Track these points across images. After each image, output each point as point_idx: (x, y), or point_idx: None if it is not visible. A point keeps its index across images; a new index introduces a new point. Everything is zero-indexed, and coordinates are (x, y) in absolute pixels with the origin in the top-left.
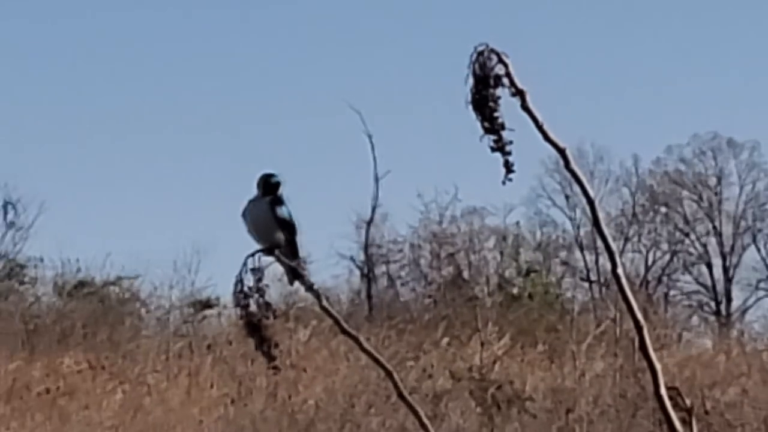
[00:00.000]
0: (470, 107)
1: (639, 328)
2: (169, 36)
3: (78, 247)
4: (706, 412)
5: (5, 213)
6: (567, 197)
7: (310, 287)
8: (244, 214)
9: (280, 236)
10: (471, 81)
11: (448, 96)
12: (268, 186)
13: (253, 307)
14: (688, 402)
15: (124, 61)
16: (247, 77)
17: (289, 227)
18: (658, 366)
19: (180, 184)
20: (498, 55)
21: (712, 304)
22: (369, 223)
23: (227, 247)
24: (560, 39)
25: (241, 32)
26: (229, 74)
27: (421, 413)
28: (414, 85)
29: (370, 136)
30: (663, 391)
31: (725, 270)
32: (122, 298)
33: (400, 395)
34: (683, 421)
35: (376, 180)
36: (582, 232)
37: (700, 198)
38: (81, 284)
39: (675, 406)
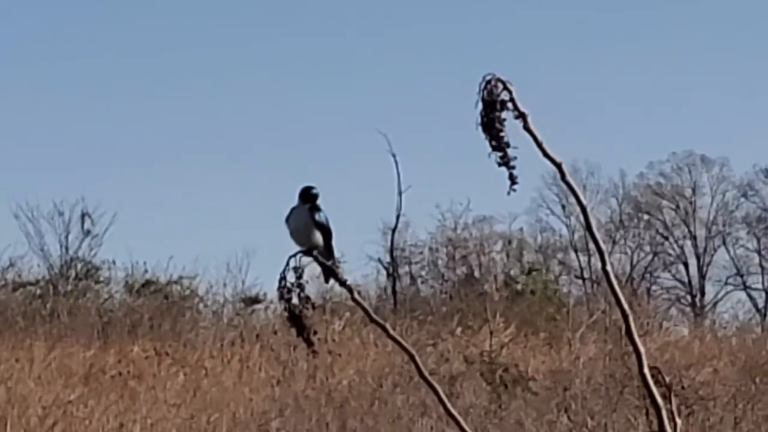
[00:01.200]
0: (480, 128)
1: (625, 317)
2: (220, 61)
3: (145, 251)
4: (683, 389)
5: (83, 223)
6: (563, 207)
7: (343, 283)
8: (287, 220)
9: (318, 239)
10: (480, 105)
11: (462, 119)
12: (308, 196)
13: (294, 301)
14: (667, 380)
15: (183, 86)
16: (290, 103)
17: (325, 231)
18: (642, 349)
19: (232, 196)
20: (503, 83)
21: (688, 297)
22: (394, 230)
23: (272, 250)
24: (557, 66)
25: (288, 60)
26: (276, 100)
27: (440, 391)
28: (434, 109)
29: (394, 156)
30: (646, 371)
31: (699, 268)
32: (183, 295)
33: (422, 375)
34: (663, 396)
35: (400, 193)
36: (576, 236)
37: (678, 207)
38: (148, 283)
39: (656, 383)
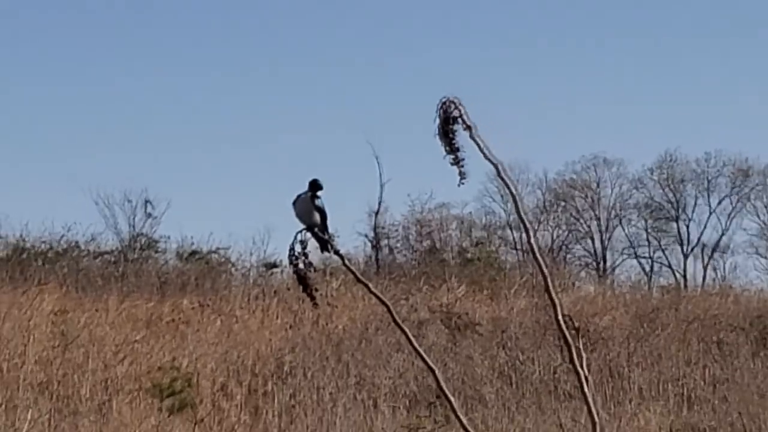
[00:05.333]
0: (438, 137)
1: (545, 277)
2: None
3: (191, 228)
4: (589, 331)
5: (145, 207)
6: (501, 195)
7: (337, 253)
8: (293, 203)
9: (317, 219)
10: (438, 120)
11: (427, 128)
12: (314, 186)
13: (300, 266)
14: (577, 325)
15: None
16: (305, 100)
17: (322, 213)
18: (557, 302)
19: (256, 184)
20: (455, 103)
21: (594, 264)
22: (376, 213)
23: (286, 228)
24: (500, 81)
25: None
26: (299, 101)
27: (409, 333)
28: (409, 118)
29: (377, 159)
30: (561, 318)
31: (602, 242)
32: (220, 262)
33: (395, 321)
34: (573, 336)
35: (381, 186)
36: (511, 218)
37: (586, 196)
38: (193, 253)
39: (569, 327)
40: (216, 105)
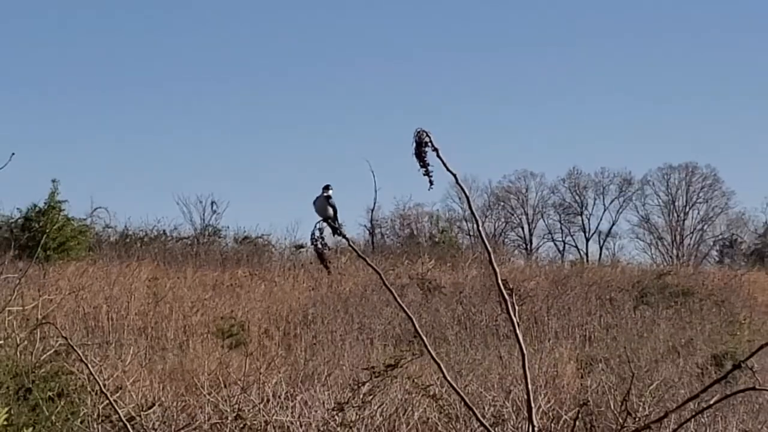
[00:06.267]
0: (414, 156)
1: (489, 254)
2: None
3: (243, 220)
4: (519, 291)
5: (212, 206)
6: (459, 198)
7: (344, 236)
8: (314, 202)
9: (331, 212)
10: (414, 144)
11: (407, 150)
12: (326, 188)
13: (319, 245)
14: (511, 286)
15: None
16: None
17: (334, 209)
18: (498, 270)
19: (288, 187)
20: (426, 132)
21: (524, 245)
22: (372, 210)
23: (310, 219)
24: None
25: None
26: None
27: (394, 293)
28: (393, 145)
29: (372, 172)
30: (500, 282)
31: (530, 230)
32: (263, 244)
33: (385, 285)
34: (509, 295)
35: (375, 191)
36: (466, 213)
37: (518, 198)
38: (245, 238)
39: (506, 288)
40: (260, 127)
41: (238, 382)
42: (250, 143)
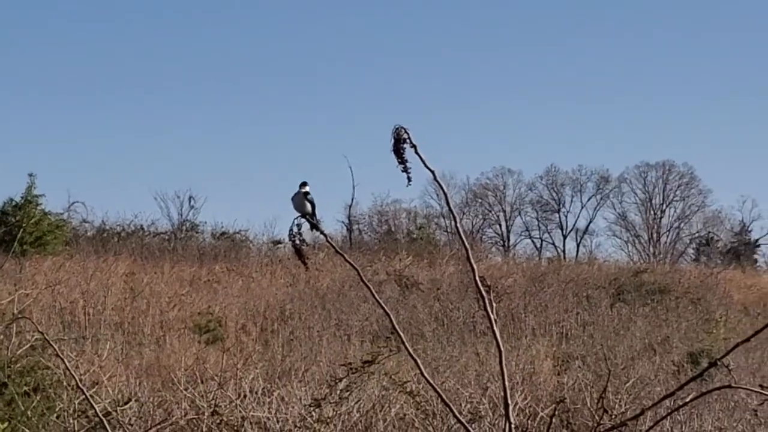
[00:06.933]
0: (392, 152)
1: (466, 251)
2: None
3: (222, 215)
4: (497, 288)
5: (189, 201)
6: (437, 194)
7: (322, 232)
8: (292, 198)
9: (309, 208)
10: (392, 140)
11: (385, 146)
12: (303, 185)
13: (296, 241)
14: (488, 283)
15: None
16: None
17: (312, 205)
18: (475, 267)
19: (267, 186)
20: (404, 128)
21: (501, 242)
22: (350, 206)
23: (288, 215)
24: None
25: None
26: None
27: (372, 289)
28: (370, 141)
29: (350, 167)
30: (477, 279)
31: (507, 227)
32: (241, 239)
33: (362, 280)
34: (486, 292)
35: (353, 187)
36: (444, 210)
37: (496, 195)
38: (223, 233)
39: (483, 285)
40: (239, 122)
41: (215, 378)
42: (229, 139)
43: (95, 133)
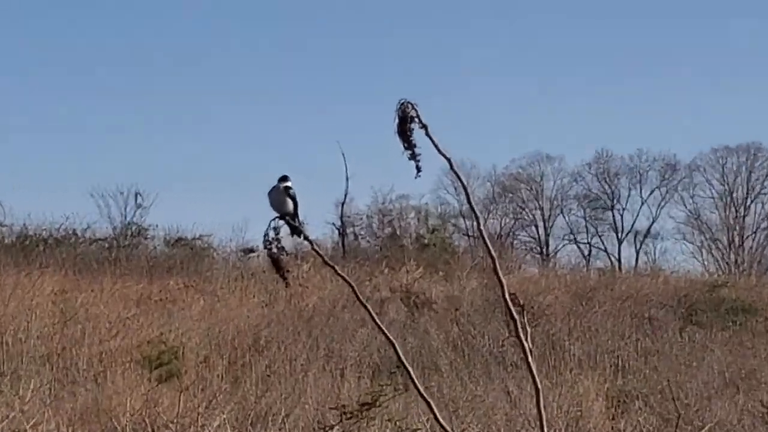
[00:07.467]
0: (396, 135)
1: (493, 260)
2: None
3: (177, 217)
4: (532, 308)
5: (136, 199)
6: (455, 188)
7: (306, 238)
8: (269, 193)
9: (290, 207)
10: (396, 120)
11: (388, 128)
12: (284, 178)
13: (274, 249)
14: (521, 302)
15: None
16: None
17: (294, 201)
18: (504, 282)
19: (234, 179)
20: (411, 104)
21: (538, 248)
22: (343, 203)
23: (262, 216)
24: (451, 85)
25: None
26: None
27: (371, 310)
28: (370, 121)
29: (343, 155)
30: (507, 296)
31: (545, 229)
32: (203, 247)
33: (358, 299)
34: (519, 313)
35: (347, 179)
36: (464, 207)
37: (531, 188)
38: (180, 239)
39: (515, 304)
40: (197, 105)
41: (170, 425)
42: (185, 121)
43: (14, 119)
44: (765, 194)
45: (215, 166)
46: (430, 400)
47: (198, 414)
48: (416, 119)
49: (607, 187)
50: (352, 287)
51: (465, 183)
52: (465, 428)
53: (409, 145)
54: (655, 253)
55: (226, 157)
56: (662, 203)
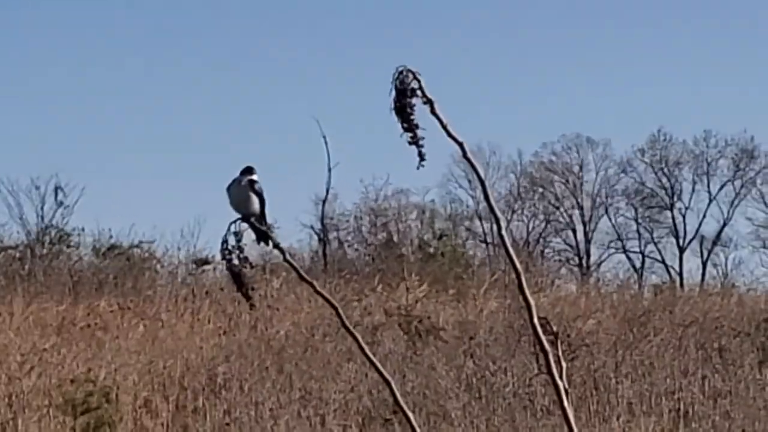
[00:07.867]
0: (393, 113)
1: (518, 275)
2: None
3: (110, 219)
4: (569, 337)
5: (56, 195)
6: (469, 181)
7: (276, 246)
8: (228, 189)
9: (256, 206)
10: (393, 93)
11: (382, 103)
12: (249, 170)
13: (234, 261)
14: (555, 329)
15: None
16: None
17: (261, 199)
18: (532, 303)
19: (185, 171)
20: (413, 73)
21: (576, 259)
22: (324, 201)
23: (218, 218)
24: (466, 57)
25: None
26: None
27: (360, 339)
28: (358, 92)
29: (324, 138)
30: (536, 321)
31: (585, 234)
32: (143, 257)
33: (344, 326)
34: (551, 343)
35: (329, 170)
36: (480, 206)
37: (567, 181)
38: (112, 247)
39: (545, 332)
40: (132, 80)
41: None
42: (120, 94)
43: None
44: None
45: (159, 152)
46: None
47: None
48: (419, 92)
49: (665, 179)
50: (336, 309)
51: (481, 175)
52: None
53: (409, 125)
54: (726, 266)
55: (173, 140)
56: (736, 201)
